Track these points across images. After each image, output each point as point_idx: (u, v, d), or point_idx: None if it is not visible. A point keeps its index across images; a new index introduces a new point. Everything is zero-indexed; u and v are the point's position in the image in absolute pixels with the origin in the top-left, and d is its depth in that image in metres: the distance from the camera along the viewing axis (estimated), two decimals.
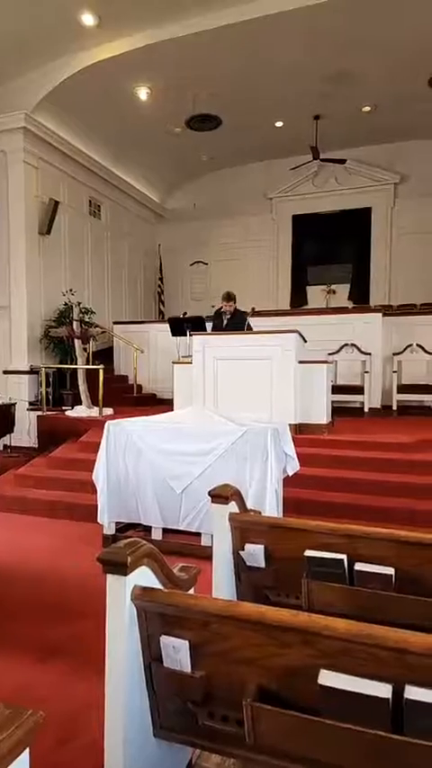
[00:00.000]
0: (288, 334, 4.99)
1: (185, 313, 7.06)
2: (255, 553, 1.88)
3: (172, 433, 3.44)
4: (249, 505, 2.71)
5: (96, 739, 1.42)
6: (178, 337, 6.54)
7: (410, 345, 6.82)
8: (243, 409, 4.50)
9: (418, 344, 6.79)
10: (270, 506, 3.06)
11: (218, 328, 5.77)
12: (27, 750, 0.77)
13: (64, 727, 1.63)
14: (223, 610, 1.19)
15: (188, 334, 6.00)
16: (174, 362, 5.78)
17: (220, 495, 1.96)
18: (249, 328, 5.55)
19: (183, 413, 4.01)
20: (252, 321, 5.77)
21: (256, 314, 6.06)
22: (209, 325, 6.12)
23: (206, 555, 2.51)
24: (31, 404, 6.69)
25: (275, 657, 1.15)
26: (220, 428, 3.36)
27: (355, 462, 4.46)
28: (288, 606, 1.63)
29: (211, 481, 2.98)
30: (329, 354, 6.74)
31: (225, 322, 5.77)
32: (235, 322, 5.64)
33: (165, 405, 6.41)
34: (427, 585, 1.60)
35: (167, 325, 6.79)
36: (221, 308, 5.81)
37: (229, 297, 5.65)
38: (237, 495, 2.00)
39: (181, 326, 6.34)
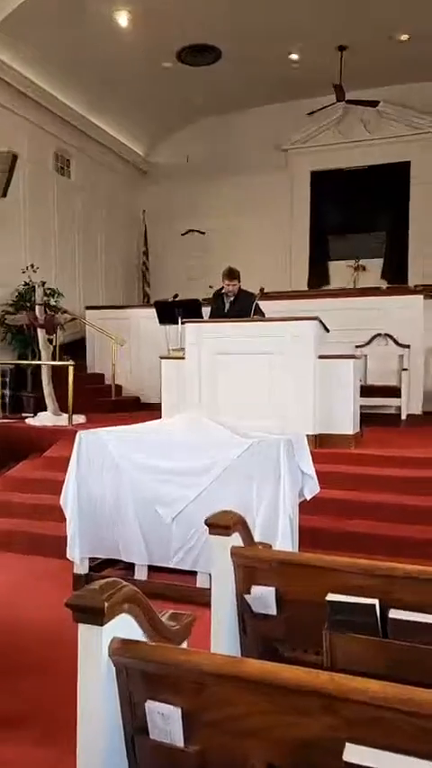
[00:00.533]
0: (305, 322, 5.07)
1: (177, 295, 7.01)
2: (263, 597, 1.89)
3: (160, 446, 3.50)
4: (257, 537, 2.68)
5: None
6: (167, 326, 6.65)
7: None
8: (249, 416, 4.56)
9: None
10: (283, 538, 3.10)
11: (218, 314, 5.86)
12: None
13: None
14: (224, 668, 1.20)
15: (180, 321, 6.08)
16: (162, 357, 5.85)
17: (219, 525, 1.98)
18: (259, 314, 5.64)
19: (173, 421, 4.05)
20: (262, 305, 5.83)
21: (265, 296, 6.08)
22: (206, 311, 6.19)
23: (203, 599, 2.53)
24: None
25: (288, 728, 1.15)
26: (221, 440, 3.42)
27: (389, 483, 4.49)
28: (305, 664, 1.63)
29: (208, 507, 2.91)
30: (357, 347, 6.82)
31: (227, 306, 5.89)
32: (239, 306, 5.74)
33: (151, 411, 6.51)
34: None
35: (154, 311, 6.89)
36: (222, 288, 5.91)
37: (232, 274, 5.75)
38: (241, 525, 2.03)
39: (171, 312, 6.43)
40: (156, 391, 6.46)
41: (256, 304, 5.67)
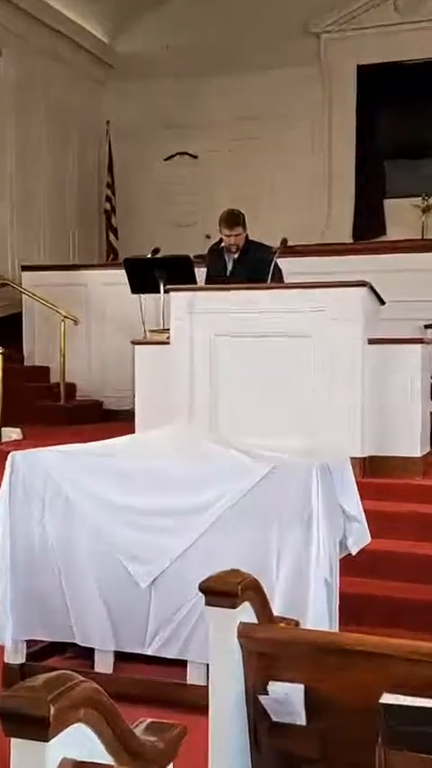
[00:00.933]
0: (350, 290, 5.12)
1: (157, 250, 6.94)
2: (287, 698, 1.89)
3: (133, 474, 3.55)
4: (277, 609, 2.75)
5: None
6: (144, 296, 6.68)
7: None
8: (265, 431, 4.61)
9: None
10: (315, 611, 3.12)
11: (217, 277, 5.99)
12: None
13: None
14: None
15: (163, 289, 6.14)
16: (136, 343, 5.95)
17: (221, 592, 1.98)
18: (278, 277, 5.73)
19: (153, 438, 4.17)
20: (283, 264, 5.85)
21: (288, 251, 6.12)
22: (201, 273, 6.29)
23: (196, 702, 2.55)
24: None
25: None
26: (224, 466, 3.47)
27: None
28: None
29: (205, 564, 2.96)
30: (427, 328, 6.80)
31: (230, 266, 6.04)
32: (248, 266, 5.86)
33: (119, 422, 6.60)
34: None
35: (123, 274, 6.91)
36: (221, 241, 6.11)
37: (232, 220, 5.92)
38: (253, 591, 2.04)
39: (149, 275, 6.44)
40: (126, 393, 6.54)
41: (275, 263, 5.68)
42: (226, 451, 3.67)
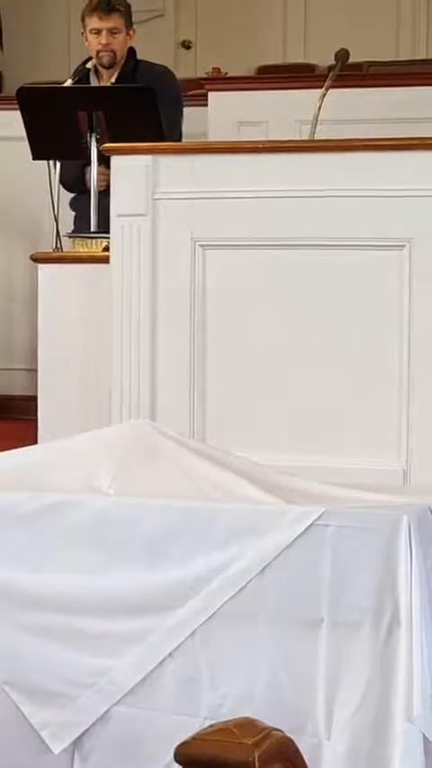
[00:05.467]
0: None
1: (82, 72, 5.68)
2: None
3: (48, 529, 2.94)
4: None
5: None
6: (53, 163, 5.42)
7: None
8: (300, 441, 4.09)
9: None
10: None
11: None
12: None
13: None
14: None
15: (95, 152, 5.19)
16: (37, 260, 4.87)
17: (220, 765, 1.62)
18: (173, 126, 5.28)
19: (82, 450, 3.23)
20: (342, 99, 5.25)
21: (348, 75, 5.53)
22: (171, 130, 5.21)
23: None
24: None
25: None
26: (224, 510, 2.88)
27: None
28: None
29: (186, 702, 2.62)
30: None
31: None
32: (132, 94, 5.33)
33: (4, 421, 5.76)
34: None
35: (14, 118, 5.60)
36: (87, 60, 5.60)
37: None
38: (284, 761, 1.71)
39: (69, 123, 5.35)
40: (19, 364, 5.73)
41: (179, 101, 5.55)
42: (227, 479, 2.91)
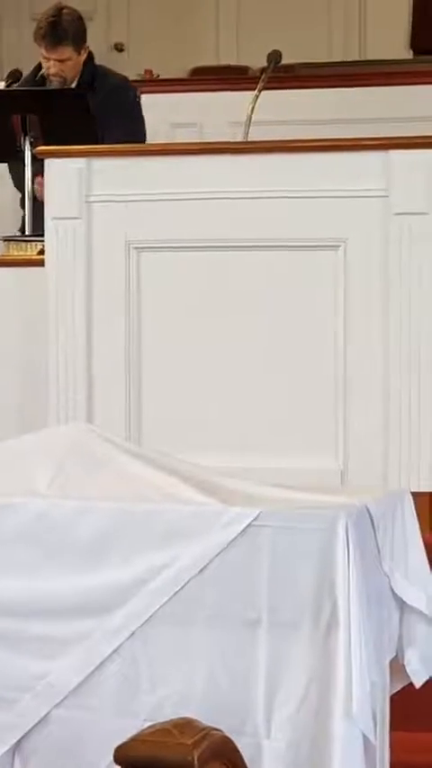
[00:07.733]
0: (412, 154, 4.06)
1: (17, 74, 5.95)
2: None
3: None
4: None
5: None
6: None
7: None
8: (238, 441, 4.15)
9: None
10: None
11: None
12: None
13: None
14: None
15: (28, 153, 5.27)
16: None
17: (159, 765, 1.66)
18: (131, 131, 5.23)
19: (17, 452, 3.17)
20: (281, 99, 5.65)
21: (280, 76, 5.58)
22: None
23: None
24: None
25: None
26: (161, 510, 2.85)
27: None
28: None
29: (124, 705, 2.62)
30: None
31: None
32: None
33: None
34: None
35: None
36: (39, 67, 5.55)
37: (52, 33, 5.32)
38: (222, 760, 1.79)
39: (1, 126, 5.52)
40: None
41: (138, 107, 5.44)
42: (165, 481, 2.83)
